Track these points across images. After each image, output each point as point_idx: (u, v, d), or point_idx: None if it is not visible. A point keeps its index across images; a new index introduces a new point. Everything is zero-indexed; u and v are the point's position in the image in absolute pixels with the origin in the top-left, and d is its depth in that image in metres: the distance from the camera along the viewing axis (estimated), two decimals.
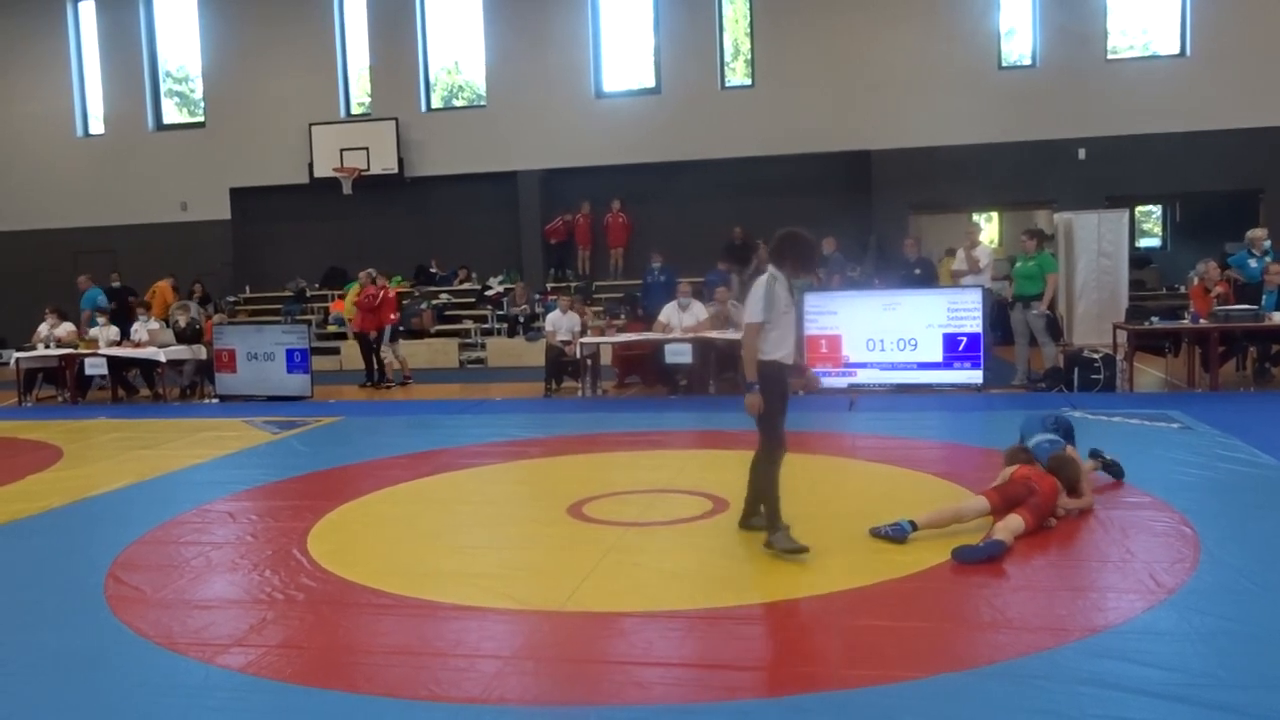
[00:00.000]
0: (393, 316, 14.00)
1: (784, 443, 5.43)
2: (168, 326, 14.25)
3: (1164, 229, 23.79)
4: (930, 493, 6.51)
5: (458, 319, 18.75)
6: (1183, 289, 16.84)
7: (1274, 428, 8.44)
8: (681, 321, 12.23)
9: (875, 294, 12.30)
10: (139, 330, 13.75)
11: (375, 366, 14.10)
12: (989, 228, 21.96)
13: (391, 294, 14.26)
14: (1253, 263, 11.86)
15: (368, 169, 18.98)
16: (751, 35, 18.38)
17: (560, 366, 12.76)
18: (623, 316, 14.35)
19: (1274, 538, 5.13)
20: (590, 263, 18.78)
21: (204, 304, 16.93)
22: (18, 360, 13.88)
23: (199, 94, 20.90)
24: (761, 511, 5.37)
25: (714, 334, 12.16)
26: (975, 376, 11.22)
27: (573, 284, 18.07)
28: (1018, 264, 12.06)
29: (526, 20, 18.89)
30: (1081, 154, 17.01)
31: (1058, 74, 17.03)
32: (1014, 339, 11.97)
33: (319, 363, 15.00)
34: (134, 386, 14.14)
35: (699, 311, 12.30)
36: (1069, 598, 4.36)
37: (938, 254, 16.54)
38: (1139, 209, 22.38)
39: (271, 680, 3.79)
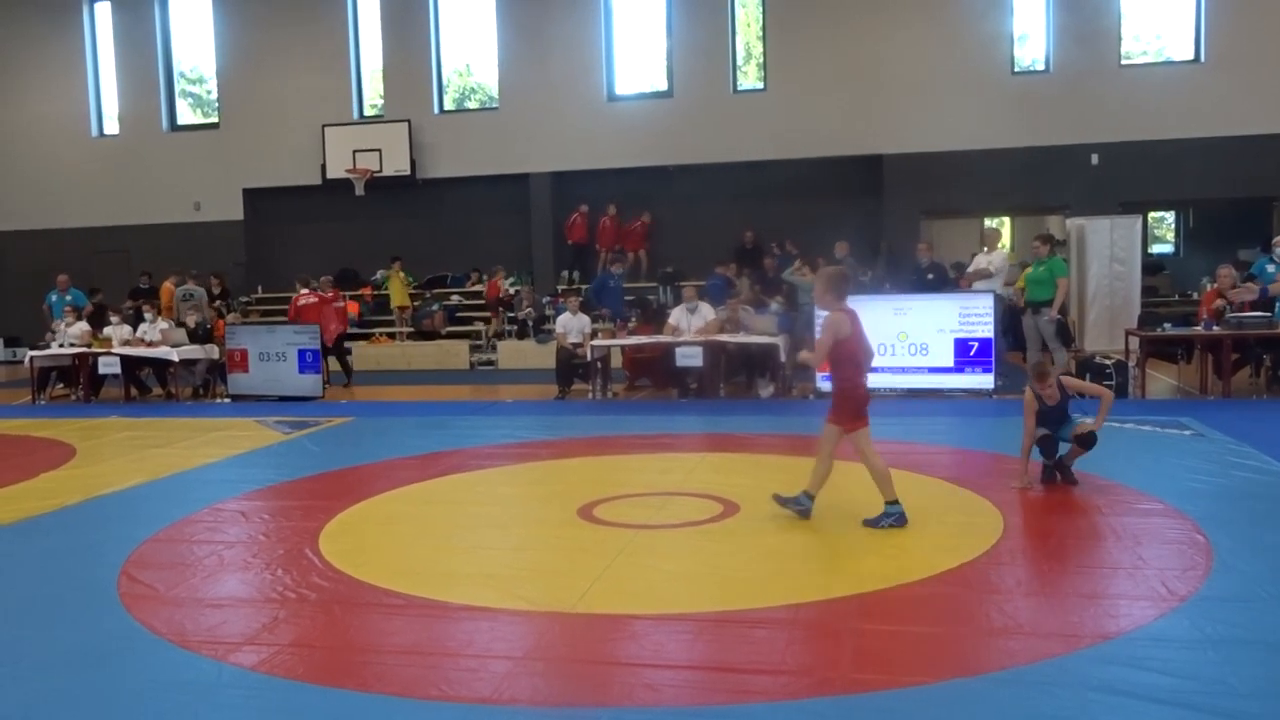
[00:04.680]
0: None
1: None
2: (178, 326, 14.31)
3: (1177, 235, 23.70)
4: (939, 497, 6.51)
5: (469, 320, 18.80)
6: (1196, 295, 16.77)
7: None
8: (690, 324, 12.24)
9: (886, 298, 12.29)
10: (150, 330, 13.80)
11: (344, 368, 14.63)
12: (1003, 233, 21.90)
13: (301, 301, 14.53)
14: (1270, 269, 11.81)
15: (380, 170, 19.04)
16: (763, 39, 18.39)
17: (571, 369, 12.77)
18: (633, 319, 14.36)
19: None
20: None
21: (222, 298, 16.99)
22: (32, 358, 13.97)
23: (213, 95, 21.01)
24: None
25: (725, 337, 12.17)
26: (987, 381, 11.20)
27: (583, 286, 18.08)
28: (1029, 269, 12.03)
29: (539, 23, 18.93)
30: (1094, 159, 16.95)
31: (1070, 79, 16.98)
32: (1025, 344, 11.93)
33: (331, 363, 15.04)
34: (146, 386, 14.20)
35: (706, 313, 12.33)
36: (1080, 604, 4.35)
37: (949, 259, 16.50)
38: (1152, 215, 22.31)
39: (283, 679, 3.81)
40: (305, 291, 14.66)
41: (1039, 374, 6.47)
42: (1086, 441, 6.47)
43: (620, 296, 15.56)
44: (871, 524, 5.70)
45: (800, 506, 5.85)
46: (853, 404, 5.78)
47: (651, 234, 18.64)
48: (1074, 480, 6.52)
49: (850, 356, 5.75)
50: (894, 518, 5.69)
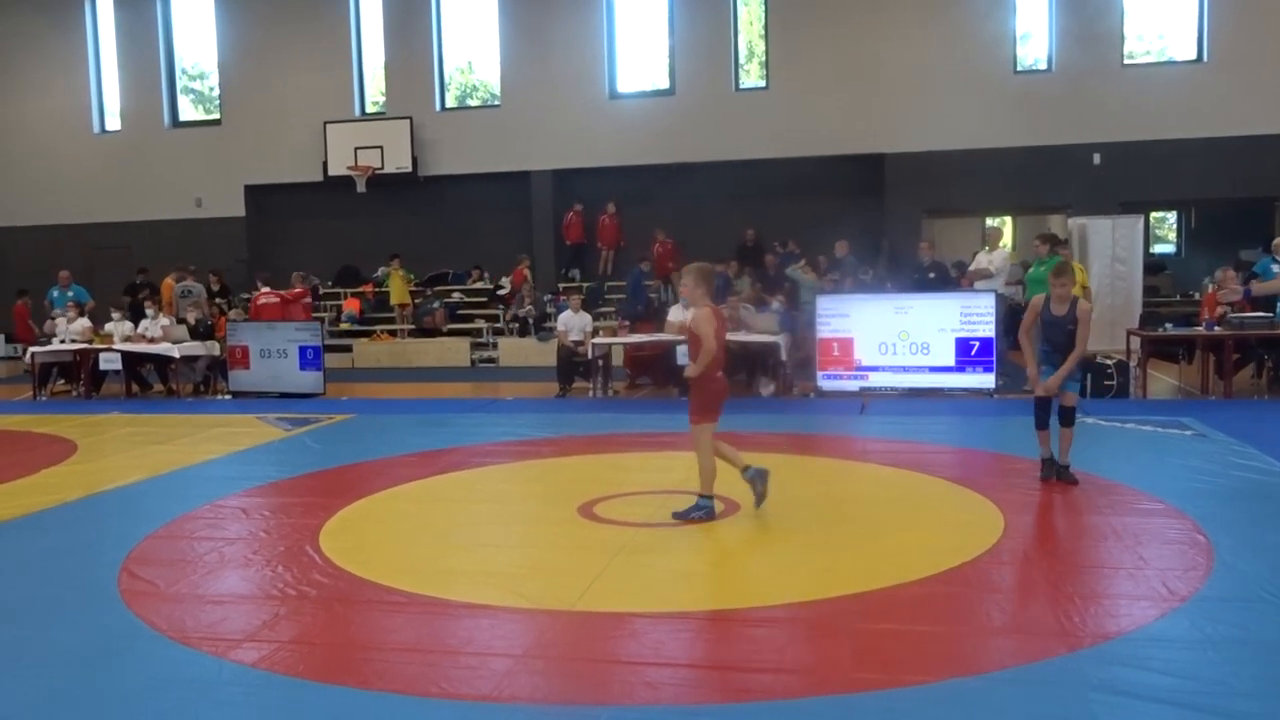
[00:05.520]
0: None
1: None
2: (178, 322, 14.32)
3: (1179, 235, 23.70)
4: (940, 496, 6.51)
5: (469, 318, 18.80)
6: (1197, 295, 16.78)
7: None
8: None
9: (888, 297, 12.29)
10: (151, 326, 13.80)
11: None
12: (1004, 232, 21.89)
13: (261, 300, 14.63)
14: (1275, 268, 11.82)
15: (382, 167, 19.04)
16: (766, 37, 18.37)
17: (572, 367, 12.77)
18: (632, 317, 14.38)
19: None
20: (613, 263, 18.73)
21: (221, 295, 16.99)
22: (33, 354, 13.98)
23: (215, 91, 21.00)
24: None
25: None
26: (988, 381, 11.20)
27: (584, 284, 18.08)
28: (1030, 269, 12.03)
29: (541, 21, 18.92)
30: (1096, 159, 16.94)
31: (1073, 78, 16.97)
32: None
33: (331, 360, 15.06)
34: (148, 382, 14.20)
35: None
36: (1081, 604, 4.35)
37: (951, 258, 16.51)
38: (1153, 215, 22.30)
39: (284, 676, 3.81)
40: (266, 290, 14.76)
41: (1058, 270, 6.63)
42: (1067, 418, 6.55)
43: (643, 295, 15.66)
44: (681, 516, 5.87)
45: (701, 511, 5.87)
46: (716, 398, 5.95)
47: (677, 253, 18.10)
48: (1073, 480, 6.52)
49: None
50: (704, 511, 5.85)
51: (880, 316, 11.60)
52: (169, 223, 20.30)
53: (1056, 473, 6.59)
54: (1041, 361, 6.69)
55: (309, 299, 15.52)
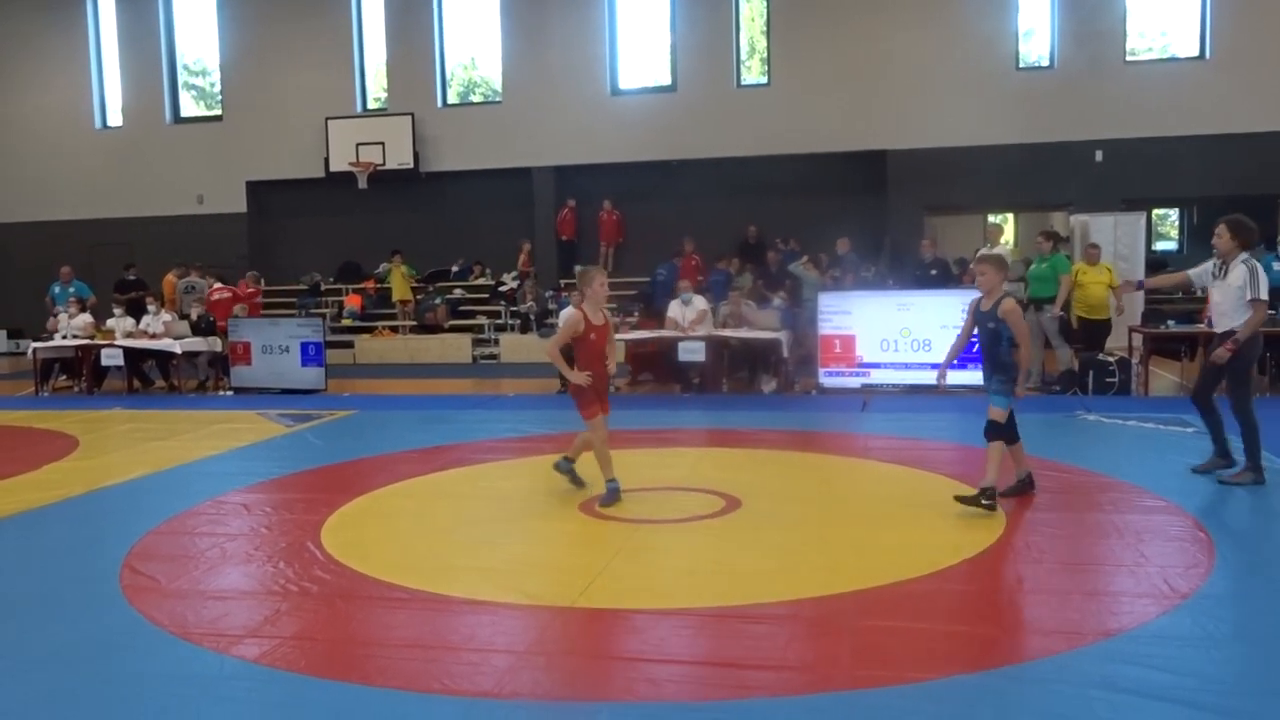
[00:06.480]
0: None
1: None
2: (180, 318, 14.32)
3: (1181, 233, 23.68)
4: (942, 494, 6.50)
5: (471, 314, 18.80)
6: (1199, 293, 16.71)
7: None
8: (685, 316, 12.25)
9: (889, 294, 12.29)
10: (153, 322, 13.80)
11: None
12: (1005, 229, 21.85)
13: (214, 296, 14.86)
14: (1277, 266, 11.79)
15: (383, 164, 19.03)
16: (768, 34, 18.35)
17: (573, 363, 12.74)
18: (636, 314, 14.36)
19: None
20: (613, 259, 18.72)
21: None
22: (35, 350, 13.98)
23: (216, 87, 20.99)
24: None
25: (728, 333, 12.18)
26: None
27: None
28: (1032, 266, 12.02)
29: (543, 17, 18.91)
30: (1098, 156, 16.92)
31: (1075, 75, 16.94)
32: None
33: (333, 356, 15.07)
34: (149, 378, 14.21)
35: (699, 304, 12.38)
36: (1082, 601, 4.35)
37: (953, 255, 16.48)
38: (1156, 212, 22.27)
39: (285, 671, 3.82)
40: (219, 286, 15.09)
41: (980, 259, 6.39)
42: (987, 431, 5.92)
43: (664, 292, 15.69)
44: (606, 503, 6.16)
45: (616, 493, 6.23)
46: (598, 391, 6.30)
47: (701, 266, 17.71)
48: (991, 507, 5.72)
49: (599, 352, 6.36)
50: (615, 492, 6.22)
51: (882, 313, 11.60)
52: (170, 219, 20.30)
53: (997, 492, 5.83)
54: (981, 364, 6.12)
55: (260, 297, 15.92)
